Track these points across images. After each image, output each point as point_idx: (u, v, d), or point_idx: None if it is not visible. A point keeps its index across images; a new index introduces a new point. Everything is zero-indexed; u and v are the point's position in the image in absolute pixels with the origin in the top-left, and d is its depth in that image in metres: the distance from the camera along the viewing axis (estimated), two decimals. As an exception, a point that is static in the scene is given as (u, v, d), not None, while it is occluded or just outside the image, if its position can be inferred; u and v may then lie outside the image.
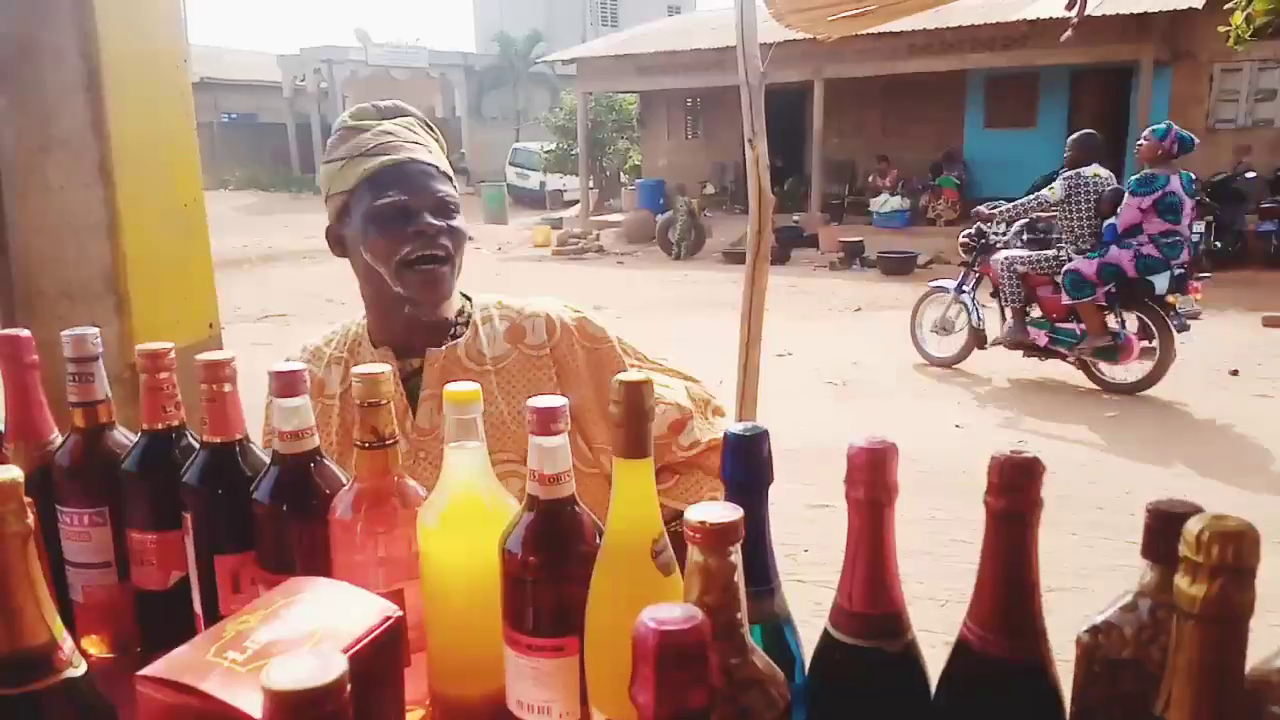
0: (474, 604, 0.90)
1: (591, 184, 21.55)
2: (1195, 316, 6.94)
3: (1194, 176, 6.58)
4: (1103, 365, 7.02)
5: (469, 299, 1.58)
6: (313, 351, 1.59)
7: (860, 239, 14.97)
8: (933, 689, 0.76)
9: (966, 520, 4.40)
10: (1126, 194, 6.72)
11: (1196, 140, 6.31)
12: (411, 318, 1.47)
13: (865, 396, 7.27)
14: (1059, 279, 6.94)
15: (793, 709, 0.71)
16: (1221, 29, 5.36)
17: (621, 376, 0.81)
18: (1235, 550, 0.55)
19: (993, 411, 6.84)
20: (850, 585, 0.75)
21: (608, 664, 0.80)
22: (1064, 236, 7.11)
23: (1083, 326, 6.93)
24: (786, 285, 12.01)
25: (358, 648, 0.73)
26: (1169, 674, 0.60)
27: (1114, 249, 6.67)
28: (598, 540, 0.85)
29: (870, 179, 17.90)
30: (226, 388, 1.04)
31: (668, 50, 18.66)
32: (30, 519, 0.68)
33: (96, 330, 1.12)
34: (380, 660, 0.76)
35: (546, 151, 24.54)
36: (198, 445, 1.07)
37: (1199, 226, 12.49)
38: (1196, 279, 6.97)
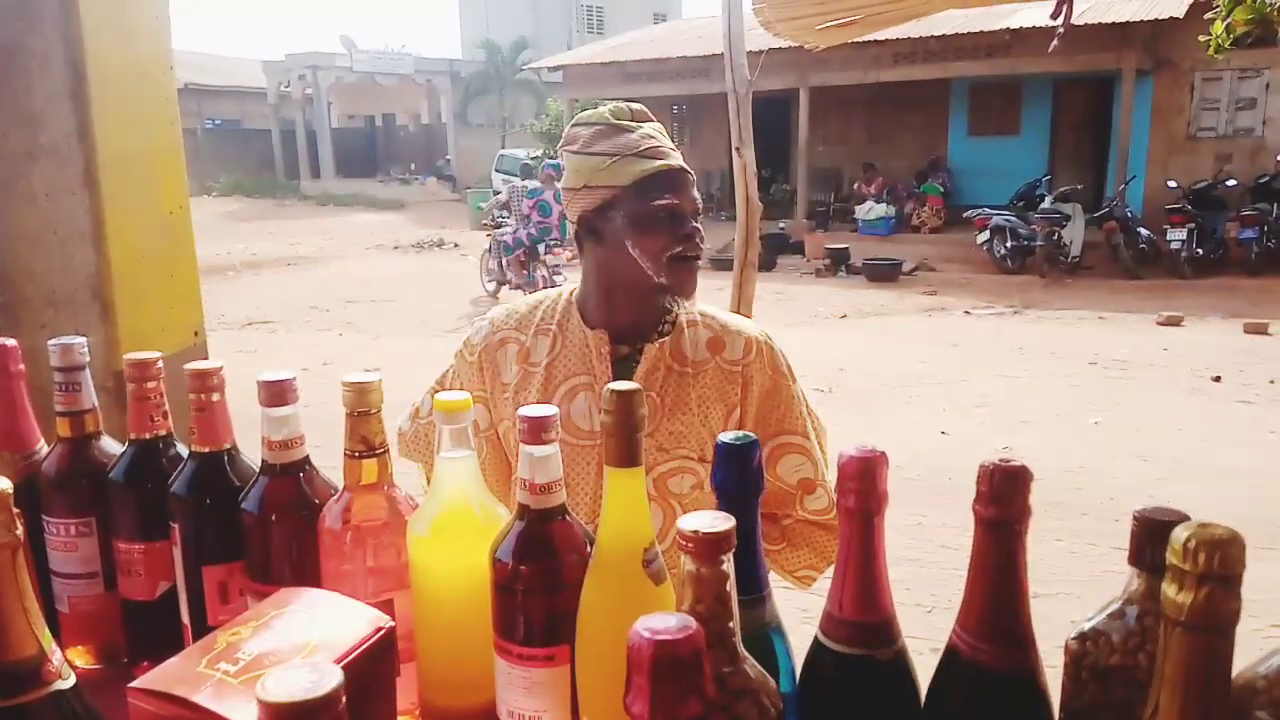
0: (464, 613, 0.90)
1: (577, 191, 21.50)
2: (558, 270, 11.38)
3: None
4: None
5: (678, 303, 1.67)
6: (520, 318, 1.67)
7: (846, 246, 15.02)
8: (922, 696, 0.77)
9: (953, 526, 4.41)
10: (527, 200, 11.66)
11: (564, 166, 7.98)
12: (635, 308, 1.59)
13: (851, 403, 7.29)
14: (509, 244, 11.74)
15: (784, 717, 0.71)
16: (1202, 38, 5.40)
17: (612, 385, 0.81)
18: (1222, 558, 0.55)
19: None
20: (841, 593, 0.75)
21: (599, 673, 0.80)
22: (513, 220, 11.92)
23: (524, 271, 11.71)
24: (772, 292, 12.04)
25: (350, 658, 0.73)
26: (1156, 681, 0.61)
27: (523, 230, 11.61)
28: (588, 549, 0.85)
29: (856, 186, 17.98)
30: (215, 397, 1.04)
31: (653, 57, 18.72)
32: (20, 530, 0.68)
33: (84, 340, 1.11)
34: (372, 671, 0.76)
35: (532, 158, 24.53)
36: (185, 455, 1.07)
37: (1181, 233, 12.68)
38: (558, 248, 11.45)
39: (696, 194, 1.58)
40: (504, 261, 12.02)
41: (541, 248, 11.60)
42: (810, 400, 1.68)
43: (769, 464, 1.59)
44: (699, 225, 1.57)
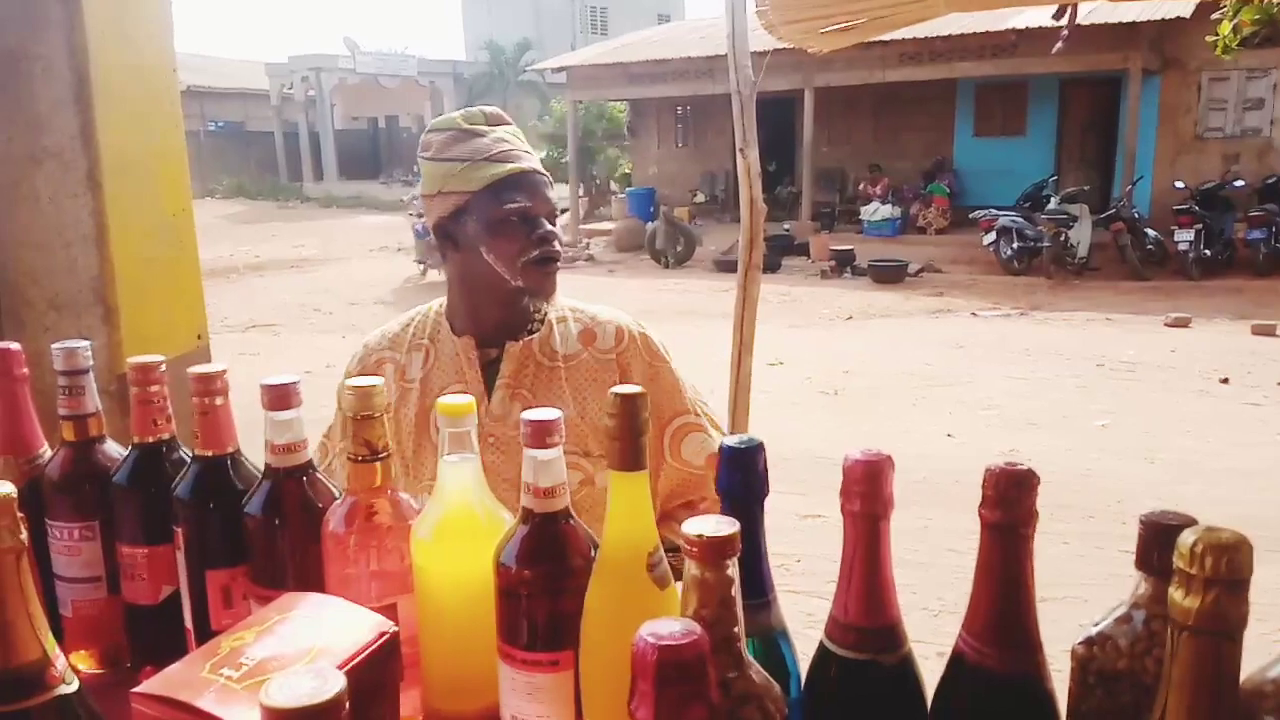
0: (468, 618, 0.90)
1: (581, 192, 21.54)
2: None
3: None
4: None
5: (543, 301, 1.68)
6: (393, 337, 1.70)
7: (851, 248, 15.00)
8: (929, 701, 0.76)
9: (959, 530, 4.40)
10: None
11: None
12: (498, 311, 1.61)
13: (857, 405, 7.28)
14: None
15: (789, 722, 0.70)
16: (1209, 38, 5.39)
17: (617, 389, 0.81)
18: (1229, 562, 0.55)
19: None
20: (846, 598, 0.75)
21: (603, 678, 0.80)
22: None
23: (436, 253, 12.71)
24: (778, 294, 12.03)
25: (353, 663, 0.72)
26: (1163, 686, 0.60)
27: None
28: (593, 553, 0.85)
29: (861, 187, 17.94)
30: (218, 400, 1.03)
31: (657, 59, 18.69)
32: (23, 535, 0.68)
33: (88, 343, 1.11)
34: (376, 676, 0.76)
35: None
36: (189, 458, 1.07)
37: (1188, 234, 12.64)
38: None
39: (551, 195, 1.60)
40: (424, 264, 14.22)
41: None
42: (690, 383, 1.70)
43: (672, 452, 1.62)
44: (554, 228, 1.59)
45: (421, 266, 14.88)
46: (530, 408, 1.48)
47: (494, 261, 1.55)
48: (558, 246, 1.59)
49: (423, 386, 1.62)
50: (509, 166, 1.55)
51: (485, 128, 1.59)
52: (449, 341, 1.63)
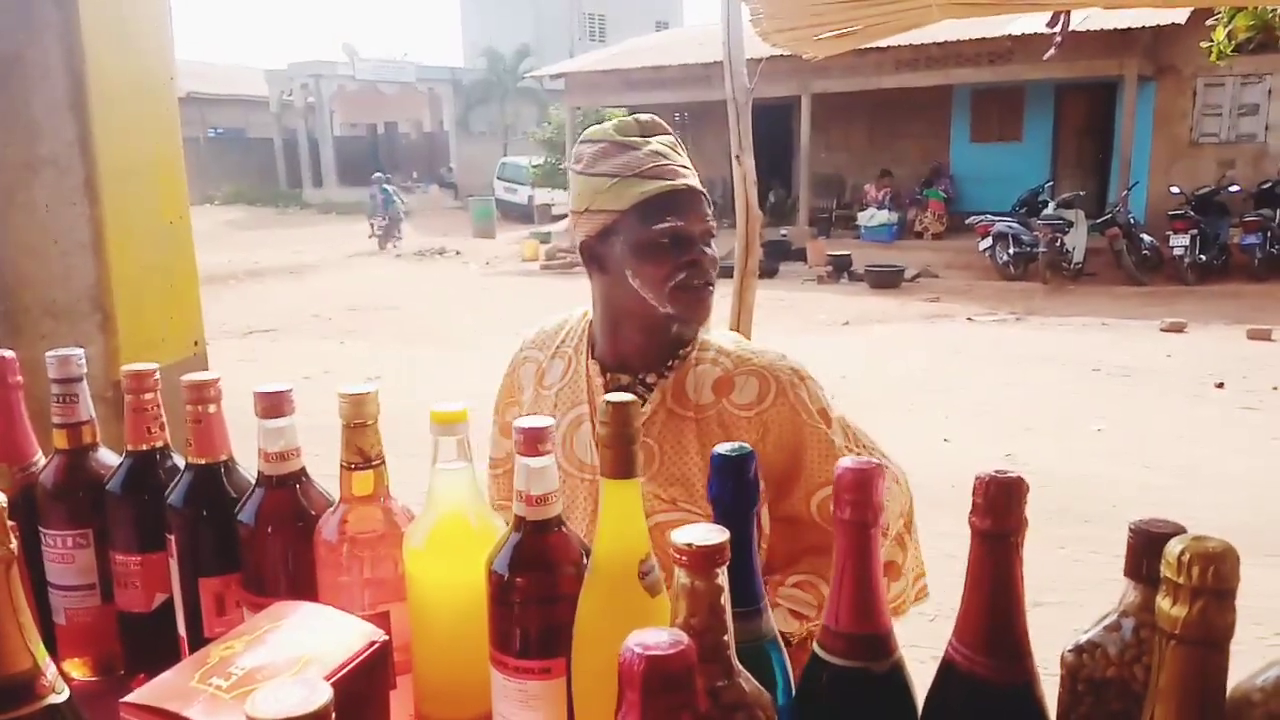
0: (460, 626, 0.90)
1: (580, 198, 21.52)
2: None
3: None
4: None
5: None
6: (544, 338, 1.61)
7: (848, 253, 15.02)
8: (919, 709, 0.76)
9: (955, 535, 4.37)
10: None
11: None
12: (640, 338, 1.48)
13: (853, 410, 7.24)
14: None
15: (779, 731, 0.71)
16: (1204, 44, 5.40)
17: (608, 397, 0.81)
18: (1216, 572, 0.55)
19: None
20: (837, 605, 0.75)
21: (595, 686, 0.80)
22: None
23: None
24: (774, 299, 12.03)
25: (342, 673, 0.73)
26: (1151, 694, 0.60)
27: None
28: (585, 561, 0.85)
29: (866, 189, 17.91)
30: (211, 409, 1.04)
31: (655, 65, 18.73)
32: (14, 544, 0.68)
33: (81, 351, 1.11)
34: (365, 686, 0.76)
35: (535, 166, 24.54)
36: (182, 466, 1.07)
37: (1183, 240, 12.66)
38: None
39: (709, 214, 1.45)
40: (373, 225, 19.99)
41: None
42: (860, 431, 1.54)
43: (823, 517, 1.44)
44: (710, 249, 1.45)
45: (376, 240, 19.01)
46: (654, 457, 1.41)
47: (640, 287, 1.41)
48: (711, 272, 1.45)
49: (557, 397, 1.52)
50: (662, 184, 1.41)
51: (640, 139, 1.46)
52: (585, 360, 1.52)
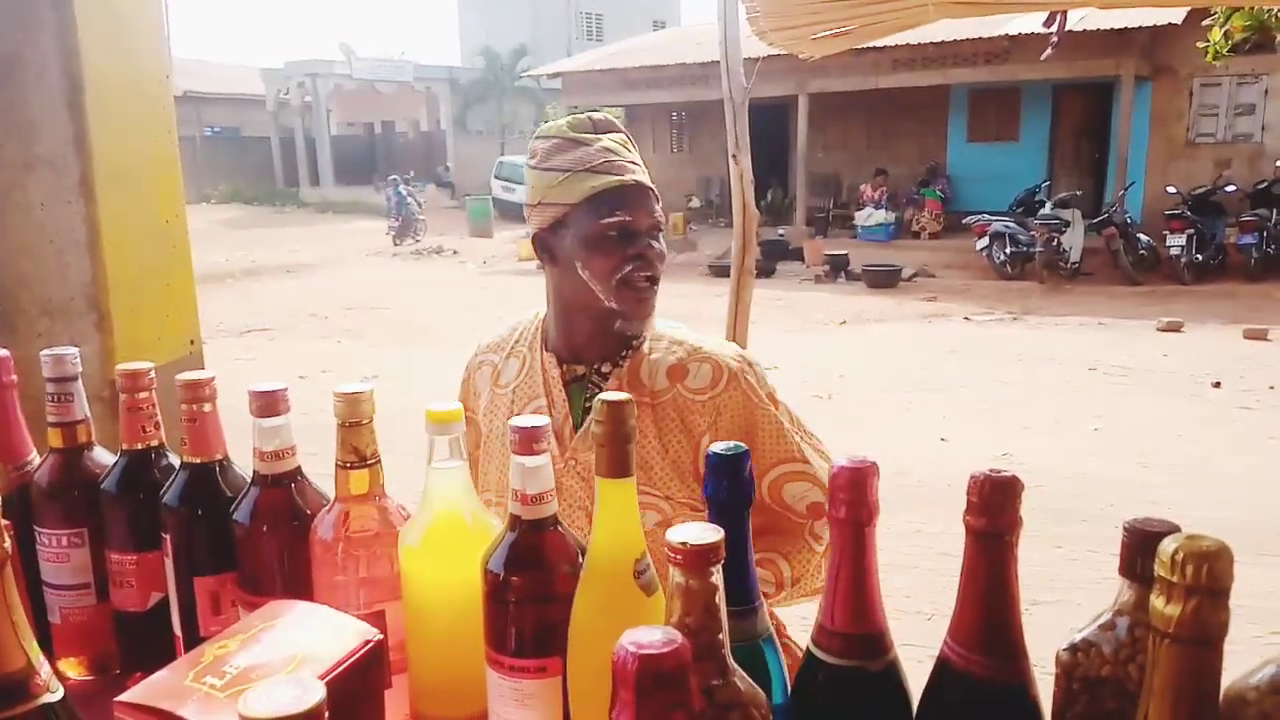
0: (456, 625, 0.90)
1: (577, 197, 21.54)
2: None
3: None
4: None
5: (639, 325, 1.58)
6: (498, 341, 1.65)
7: (845, 252, 15.02)
8: (914, 707, 0.76)
9: (953, 534, 4.36)
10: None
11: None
12: (589, 329, 1.52)
13: (850, 410, 7.28)
14: None
15: (774, 729, 0.71)
16: (1200, 44, 5.41)
17: (604, 396, 0.81)
18: (1210, 570, 0.55)
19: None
20: (832, 604, 0.75)
21: (591, 685, 0.80)
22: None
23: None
24: (772, 298, 12.04)
25: (336, 672, 0.72)
26: (1145, 693, 0.60)
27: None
28: (580, 560, 0.85)
29: (862, 188, 17.90)
30: (206, 407, 1.03)
31: (652, 64, 18.73)
32: (8, 543, 0.68)
33: (75, 350, 1.11)
34: (359, 685, 0.76)
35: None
36: (177, 465, 1.07)
37: (1180, 239, 12.68)
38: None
39: (658, 209, 1.50)
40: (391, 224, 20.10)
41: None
42: (800, 419, 1.58)
43: (772, 498, 1.51)
44: (657, 244, 1.49)
45: (392, 237, 19.63)
46: None
47: (589, 279, 1.46)
48: (658, 266, 1.49)
49: (514, 395, 1.56)
50: (611, 178, 1.45)
51: (592, 135, 1.51)
52: (540, 354, 1.57)
